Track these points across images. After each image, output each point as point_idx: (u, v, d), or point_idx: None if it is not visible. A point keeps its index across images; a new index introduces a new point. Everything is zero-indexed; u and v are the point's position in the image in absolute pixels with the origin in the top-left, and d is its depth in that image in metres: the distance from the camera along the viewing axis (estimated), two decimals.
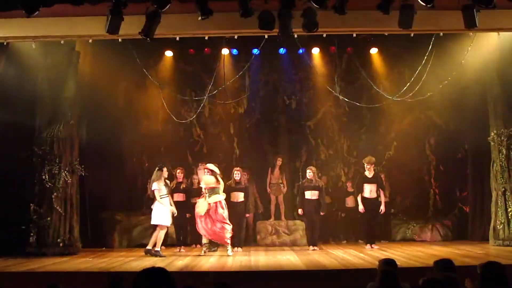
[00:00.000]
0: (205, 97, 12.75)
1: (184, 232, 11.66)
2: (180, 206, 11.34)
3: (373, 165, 11.17)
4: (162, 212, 10.25)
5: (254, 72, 13.08)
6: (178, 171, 11.60)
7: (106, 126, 12.39)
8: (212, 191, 10.14)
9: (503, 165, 10.85)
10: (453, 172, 13.42)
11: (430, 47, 10.45)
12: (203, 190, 10.32)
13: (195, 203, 10.99)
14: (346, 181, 12.91)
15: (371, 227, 11.04)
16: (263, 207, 12.99)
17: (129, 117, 13.37)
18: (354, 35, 9.98)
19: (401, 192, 13.61)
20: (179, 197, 11.36)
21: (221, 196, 10.24)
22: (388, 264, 4.93)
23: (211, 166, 10.31)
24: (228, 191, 11.01)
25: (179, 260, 9.34)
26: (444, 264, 4.74)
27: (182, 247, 11.12)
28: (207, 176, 10.21)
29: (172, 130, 13.46)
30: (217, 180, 10.22)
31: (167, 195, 10.43)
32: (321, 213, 11.30)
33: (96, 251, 11.12)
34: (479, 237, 11.72)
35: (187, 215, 11.37)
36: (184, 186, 11.46)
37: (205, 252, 10.14)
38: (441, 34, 9.95)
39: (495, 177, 11.01)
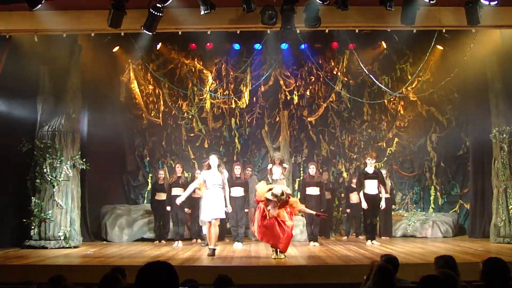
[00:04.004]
0: (207, 92, 12.80)
1: (183, 226, 11.65)
2: None
3: (375, 161, 11.19)
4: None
5: (256, 67, 13.11)
6: (177, 165, 11.63)
7: (108, 119, 12.43)
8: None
9: (504, 162, 10.85)
10: (454, 169, 13.44)
11: (432, 44, 10.45)
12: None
13: (196, 197, 11.03)
14: (351, 177, 12.89)
15: (371, 223, 11.04)
16: None
17: (131, 111, 13.41)
18: (357, 31, 9.98)
19: (402, 189, 13.65)
20: (178, 191, 11.39)
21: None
22: (388, 260, 4.93)
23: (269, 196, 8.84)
24: (228, 186, 11.02)
25: (180, 254, 9.36)
26: (445, 260, 4.74)
27: (180, 241, 11.11)
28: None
29: (173, 124, 13.49)
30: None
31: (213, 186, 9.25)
32: (322, 209, 11.30)
33: (96, 245, 11.15)
34: (480, 234, 11.72)
35: (186, 209, 11.38)
36: (182, 180, 11.48)
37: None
38: (444, 30, 9.95)
39: (496, 174, 11.00)
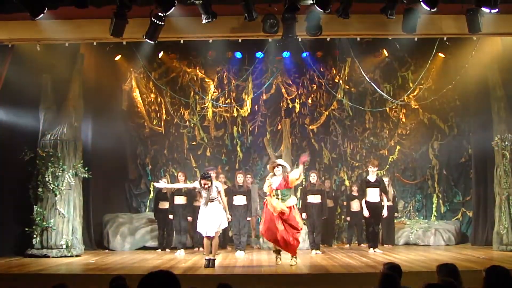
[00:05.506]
0: (209, 100, 12.82)
1: (185, 235, 11.63)
2: (181, 209, 11.37)
3: (377, 169, 11.18)
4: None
5: (257, 75, 13.12)
6: (179, 174, 11.62)
7: (110, 128, 12.45)
8: (288, 191, 9.02)
9: (506, 169, 10.82)
10: (456, 177, 13.41)
11: (434, 51, 10.46)
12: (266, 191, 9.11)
13: (199, 206, 11.00)
14: (351, 185, 12.87)
15: (374, 231, 11.02)
16: None
17: (133, 120, 13.43)
18: (358, 39, 10.01)
19: (404, 196, 13.62)
20: (180, 200, 11.38)
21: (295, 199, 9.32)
22: (391, 268, 4.92)
23: (282, 161, 9.26)
24: (230, 194, 11.02)
25: (182, 263, 9.34)
26: (447, 268, 4.72)
27: (182, 250, 11.08)
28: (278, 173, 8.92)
29: (175, 132, 13.51)
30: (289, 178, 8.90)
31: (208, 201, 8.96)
32: (323, 217, 11.30)
33: (99, 253, 11.13)
34: (482, 242, 11.68)
35: (188, 218, 11.36)
36: (185, 189, 11.47)
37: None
38: (445, 38, 9.98)
39: (498, 182, 10.97)
